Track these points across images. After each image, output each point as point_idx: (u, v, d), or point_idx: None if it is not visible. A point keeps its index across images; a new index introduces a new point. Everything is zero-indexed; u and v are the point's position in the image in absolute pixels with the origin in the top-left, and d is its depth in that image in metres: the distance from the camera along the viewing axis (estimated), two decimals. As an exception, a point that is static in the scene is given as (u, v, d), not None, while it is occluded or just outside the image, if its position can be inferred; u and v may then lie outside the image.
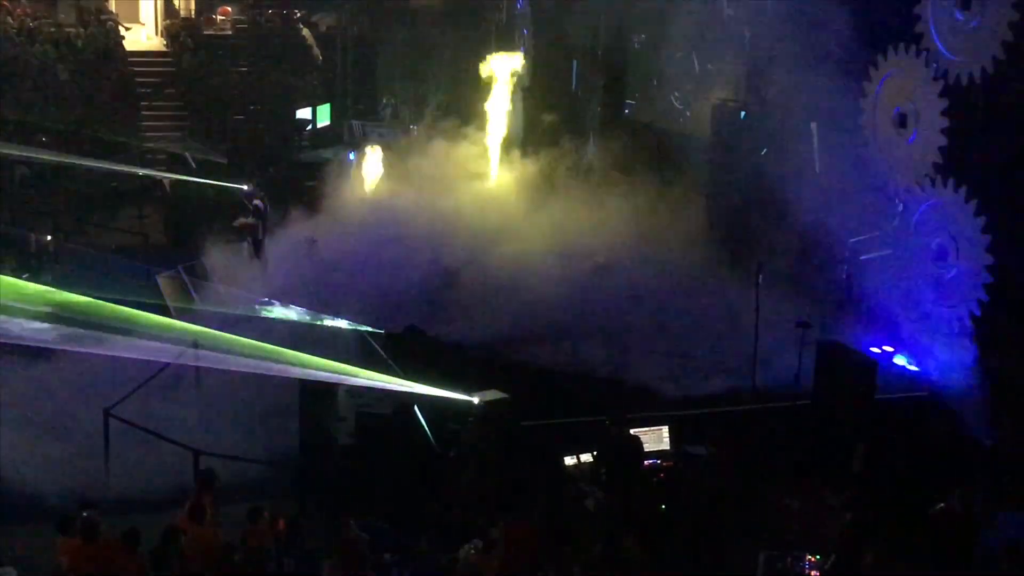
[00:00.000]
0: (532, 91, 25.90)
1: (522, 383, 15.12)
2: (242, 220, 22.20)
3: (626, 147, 22.30)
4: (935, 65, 15.21)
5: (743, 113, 18.91)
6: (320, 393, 14.48)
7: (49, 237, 22.93)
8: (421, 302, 18.50)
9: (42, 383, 16.23)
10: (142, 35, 31.07)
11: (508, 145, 24.68)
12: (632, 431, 13.07)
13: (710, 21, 19.72)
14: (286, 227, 21.66)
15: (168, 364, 15.59)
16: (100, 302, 14.93)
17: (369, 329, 17.02)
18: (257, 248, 21.81)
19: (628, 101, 23.85)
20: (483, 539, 10.83)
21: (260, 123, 28.47)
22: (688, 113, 21.68)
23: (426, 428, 13.61)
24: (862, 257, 15.96)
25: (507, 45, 26.89)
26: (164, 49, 30.48)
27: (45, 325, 15.21)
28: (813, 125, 16.82)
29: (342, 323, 17.39)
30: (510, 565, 10.66)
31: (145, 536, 10.81)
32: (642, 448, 13.09)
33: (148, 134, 27.67)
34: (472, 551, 10.73)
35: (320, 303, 18.26)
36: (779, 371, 14.90)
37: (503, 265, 19.64)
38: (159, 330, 15.35)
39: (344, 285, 18.98)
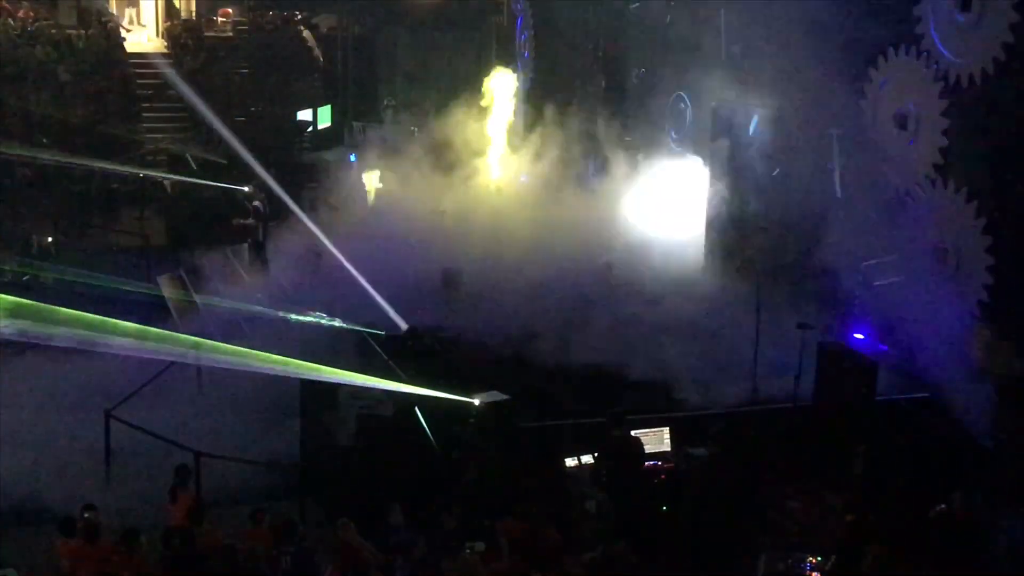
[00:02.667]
0: (534, 93, 25.93)
1: (523, 384, 15.12)
2: (241, 221, 22.22)
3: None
4: (935, 66, 15.22)
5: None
6: (321, 395, 14.48)
7: (50, 238, 22.97)
8: (423, 303, 18.46)
9: (43, 384, 16.25)
10: (143, 37, 31.08)
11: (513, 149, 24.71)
12: (633, 432, 13.07)
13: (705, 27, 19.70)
14: (286, 228, 21.66)
15: (169, 365, 15.61)
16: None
17: (370, 330, 17.01)
18: (257, 249, 21.82)
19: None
20: (485, 541, 10.82)
21: (261, 124, 28.48)
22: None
23: (427, 430, 13.61)
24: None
25: (508, 47, 26.93)
26: (165, 51, 30.49)
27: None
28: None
29: (343, 324, 17.37)
30: (511, 567, 10.66)
31: (144, 537, 10.86)
32: (643, 449, 13.09)
33: (149, 135, 27.70)
34: (470, 551, 10.73)
35: (321, 304, 18.26)
36: (780, 372, 14.88)
37: (507, 265, 19.62)
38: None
39: (345, 286, 18.98)
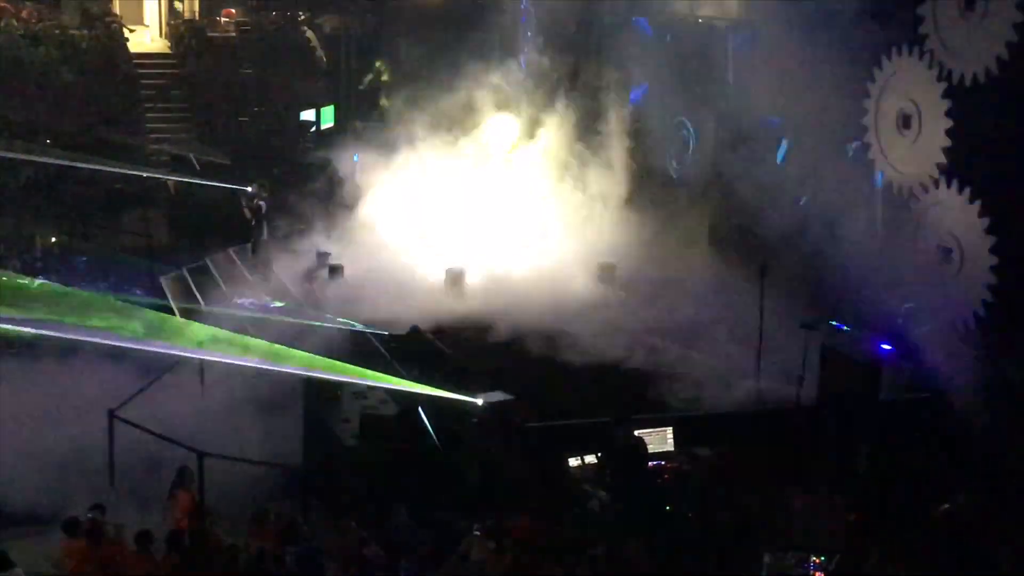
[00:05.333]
0: (536, 94, 25.89)
1: (526, 384, 15.12)
2: (243, 220, 22.25)
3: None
4: (939, 66, 15.21)
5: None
6: (324, 395, 14.49)
7: (54, 239, 22.99)
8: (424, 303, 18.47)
9: (46, 384, 16.26)
10: (146, 37, 31.07)
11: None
12: (636, 432, 13.07)
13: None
14: (289, 228, 21.70)
15: (173, 365, 15.63)
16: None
17: (373, 330, 17.03)
18: (260, 249, 21.83)
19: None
20: (489, 539, 10.84)
21: (264, 125, 28.50)
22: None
23: (430, 429, 13.61)
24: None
25: (510, 48, 26.90)
26: (168, 51, 30.49)
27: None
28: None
29: (346, 324, 17.40)
30: (516, 565, 10.67)
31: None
32: (646, 449, 13.09)
33: (152, 136, 27.70)
34: (476, 533, 10.74)
35: (324, 303, 18.28)
36: (783, 372, 14.87)
37: (509, 264, 19.64)
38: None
39: (347, 286, 19.01)
